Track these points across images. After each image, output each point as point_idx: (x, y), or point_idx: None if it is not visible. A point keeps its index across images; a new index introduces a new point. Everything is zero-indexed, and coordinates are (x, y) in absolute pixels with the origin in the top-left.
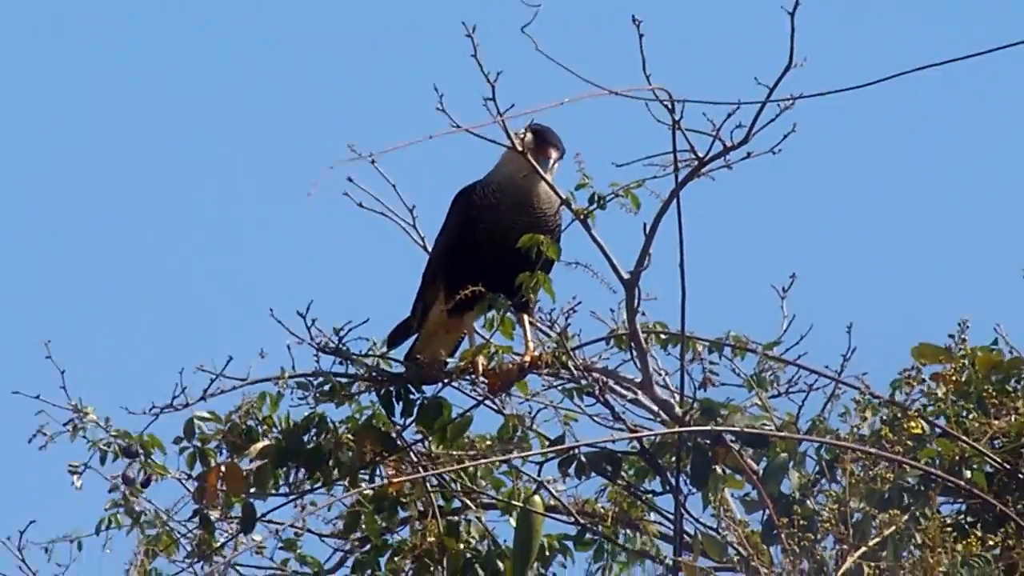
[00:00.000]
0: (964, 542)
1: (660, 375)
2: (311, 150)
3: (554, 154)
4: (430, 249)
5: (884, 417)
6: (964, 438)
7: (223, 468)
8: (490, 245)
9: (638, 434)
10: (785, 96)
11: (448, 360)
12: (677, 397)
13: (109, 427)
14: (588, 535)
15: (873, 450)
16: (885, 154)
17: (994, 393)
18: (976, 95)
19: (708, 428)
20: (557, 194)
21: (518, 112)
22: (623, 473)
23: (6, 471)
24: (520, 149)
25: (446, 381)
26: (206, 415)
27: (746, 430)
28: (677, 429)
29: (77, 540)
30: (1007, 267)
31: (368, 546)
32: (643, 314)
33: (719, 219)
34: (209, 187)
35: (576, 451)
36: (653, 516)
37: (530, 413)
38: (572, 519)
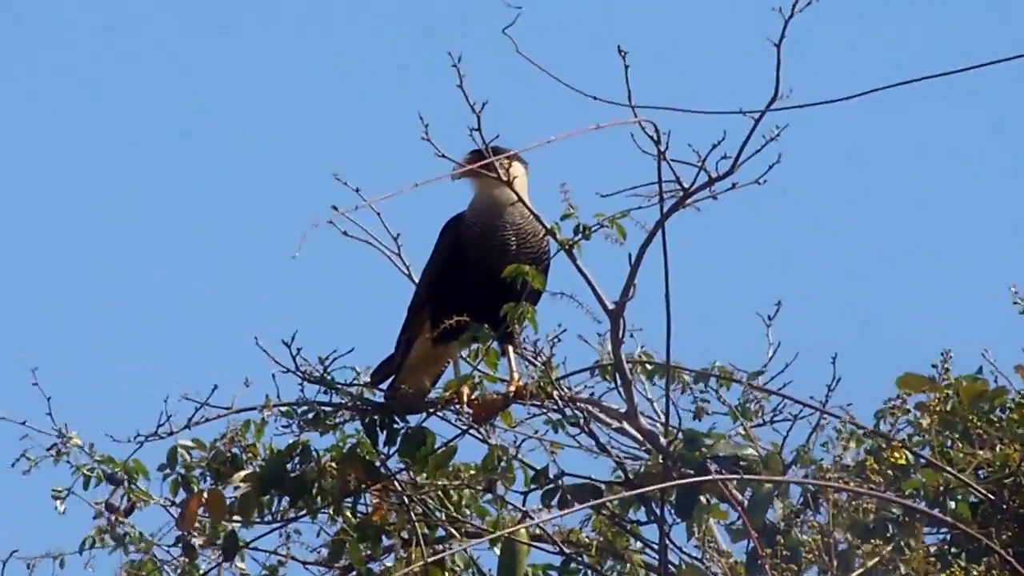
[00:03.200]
0: (947, 572)
1: (649, 403)
2: (295, 179)
3: (507, 164)
4: (416, 278)
5: (868, 447)
6: (949, 469)
7: (205, 494)
8: (477, 275)
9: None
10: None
11: (431, 390)
12: (662, 427)
13: (93, 453)
14: (573, 565)
15: (853, 488)
16: (871, 182)
17: (979, 423)
18: (964, 119)
19: (696, 458)
20: (539, 221)
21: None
22: (607, 503)
23: None
24: (504, 179)
25: (430, 411)
26: (190, 443)
27: (737, 475)
28: (663, 461)
29: (60, 557)
30: (993, 296)
31: (353, 574)
32: (633, 337)
33: (705, 248)
34: (194, 217)
35: (559, 483)
36: (638, 546)
37: (515, 443)
38: (557, 549)
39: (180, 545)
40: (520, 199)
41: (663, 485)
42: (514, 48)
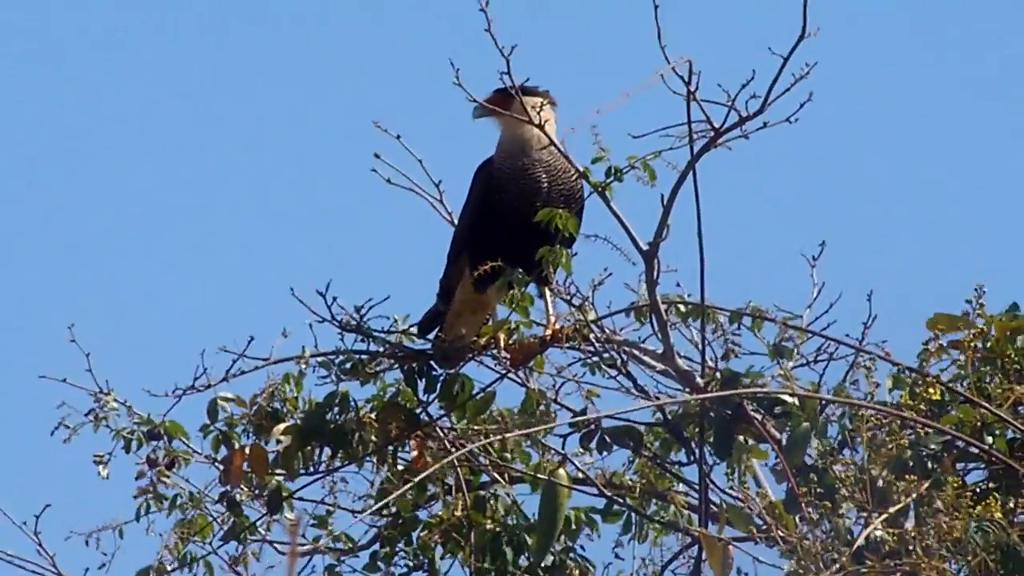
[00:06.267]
0: (983, 505)
1: (691, 344)
2: (332, 127)
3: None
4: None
5: (904, 379)
6: (985, 404)
7: (247, 450)
8: (511, 217)
9: (660, 402)
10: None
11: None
12: (699, 367)
13: (132, 414)
14: (616, 507)
15: (893, 411)
16: (902, 118)
17: (1016, 358)
18: (996, 61)
19: (727, 392)
20: (571, 164)
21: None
22: (648, 445)
23: (34, 458)
24: (535, 121)
25: (468, 356)
26: (229, 396)
27: (764, 391)
28: (698, 396)
29: (119, 528)
30: None
31: (400, 520)
32: (678, 284)
33: (738, 188)
34: (231, 168)
35: (598, 425)
36: (680, 487)
37: (554, 386)
38: (598, 492)
39: (224, 501)
40: (552, 142)
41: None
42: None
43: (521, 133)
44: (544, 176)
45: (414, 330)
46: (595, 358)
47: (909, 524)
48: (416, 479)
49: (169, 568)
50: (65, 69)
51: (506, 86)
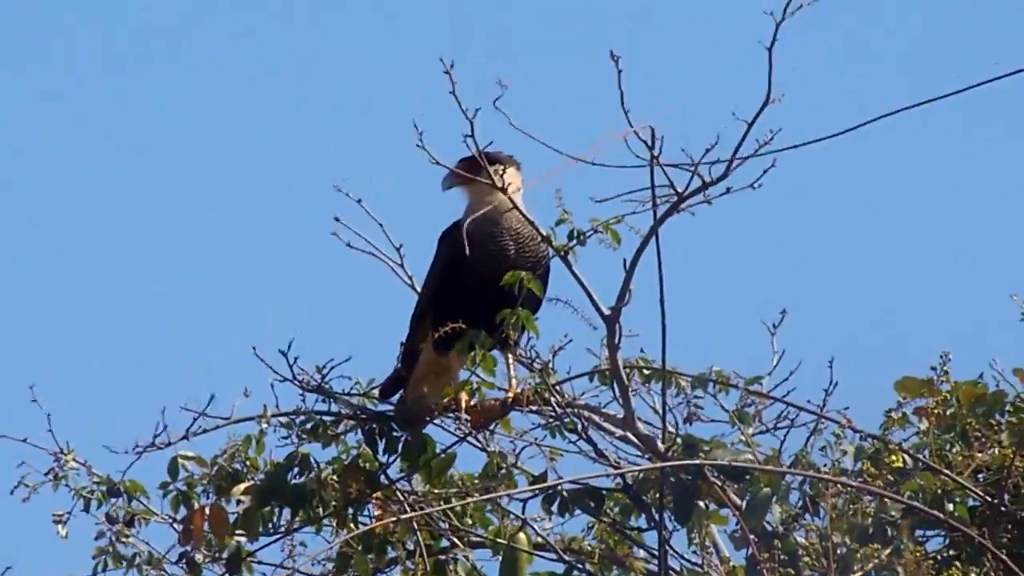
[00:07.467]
0: (945, 574)
1: (651, 409)
2: (295, 188)
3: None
4: (418, 289)
5: (867, 449)
6: (946, 472)
7: (208, 510)
8: (477, 282)
9: (621, 470)
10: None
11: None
12: (660, 432)
13: (91, 473)
14: (575, 573)
15: (854, 483)
16: (868, 187)
17: (977, 426)
18: (957, 129)
19: (689, 462)
20: (534, 227)
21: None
22: (608, 510)
23: None
24: (500, 186)
25: (428, 418)
26: (189, 454)
27: (727, 464)
28: (659, 464)
29: None
30: (995, 302)
31: None
32: (642, 350)
33: (701, 253)
34: (193, 224)
35: (559, 489)
36: (640, 553)
37: (514, 450)
38: (558, 557)
39: (183, 562)
40: (515, 206)
41: (655, 467)
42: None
43: (489, 200)
44: (511, 243)
45: (376, 393)
46: (556, 422)
47: None
48: (377, 535)
49: None
50: None
51: (473, 154)
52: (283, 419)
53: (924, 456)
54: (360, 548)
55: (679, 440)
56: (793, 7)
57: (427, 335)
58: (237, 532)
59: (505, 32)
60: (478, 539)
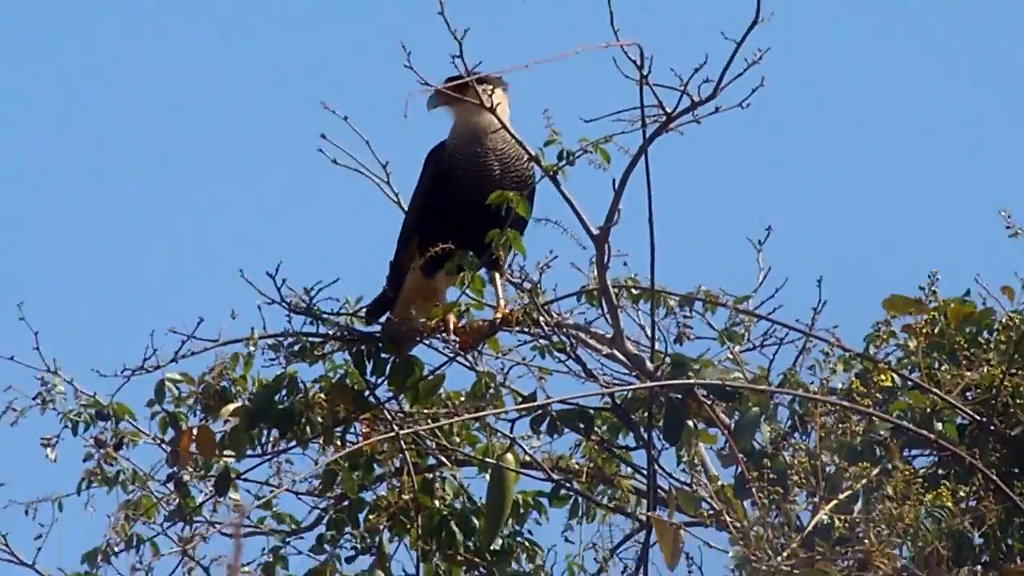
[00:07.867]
0: (934, 493)
1: (640, 328)
2: (281, 109)
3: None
4: (405, 207)
5: (856, 371)
6: (935, 390)
7: (195, 431)
8: (462, 202)
9: (610, 389)
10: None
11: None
12: (648, 352)
13: (78, 396)
14: (563, 491)
15: (843, 402)
16: (856, 104)
17: (966, 345)
18: (952, 38)
19: (681, 382)
20: (523, 147)
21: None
22: (596, 429)
23: None
24: (487, 105)
25: (417, 339)
26: (177, 377)
27: (718, 383)
28: (649, 384)
29: (58, 500)
30: (982, 218)
31: (346, 502)
32: (626, 265)
33: (690, 173)
34: (180, 148)
35: (548, 408)
36: (627, 471)
37: (503, 370)
38: (546, 476)
39: (171, 482)
40: (504, 126)
41: (645, 386)
42: None
43: (475, 120)
44: (496, 163)
45: (363, 314)
46: (544, 342)
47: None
48: (364, 453)
49: (116, 549)
50: None
51: (461, 74)
52: (271, 341)
53: (913, 376)
54: (347, 466)
55: (668, 359)
56: None
57: (414, 256)
58: (225, 452)
59: None
60: (465, 457)
